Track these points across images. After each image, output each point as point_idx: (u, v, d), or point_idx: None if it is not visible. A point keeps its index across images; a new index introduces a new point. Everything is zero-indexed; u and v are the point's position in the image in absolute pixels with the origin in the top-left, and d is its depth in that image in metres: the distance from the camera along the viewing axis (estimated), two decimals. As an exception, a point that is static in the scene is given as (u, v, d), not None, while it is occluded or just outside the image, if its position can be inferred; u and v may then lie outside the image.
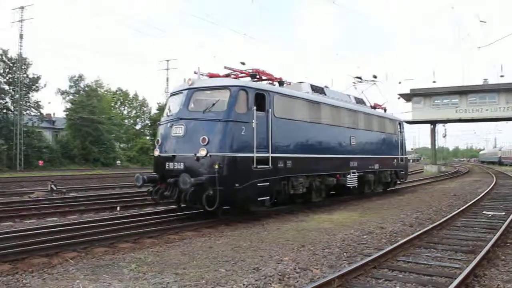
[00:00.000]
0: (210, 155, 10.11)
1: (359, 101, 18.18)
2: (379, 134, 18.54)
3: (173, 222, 10.68)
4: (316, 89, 14.64)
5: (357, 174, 15.66)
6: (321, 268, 6.66)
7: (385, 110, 20.50)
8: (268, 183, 11.14)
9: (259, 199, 10.99)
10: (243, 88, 10.96)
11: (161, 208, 12.99)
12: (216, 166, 9.91)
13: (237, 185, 10.27)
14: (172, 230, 9.67)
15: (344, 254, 7.61)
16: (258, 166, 10.82)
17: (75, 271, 6.50)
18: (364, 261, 6.65)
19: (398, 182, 21.20)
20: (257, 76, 12.87)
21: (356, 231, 9.83)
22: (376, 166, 17.67)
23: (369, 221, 11.31)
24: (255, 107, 10.86)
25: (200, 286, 5.78)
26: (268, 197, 11.22)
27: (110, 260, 7.17)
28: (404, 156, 21.23)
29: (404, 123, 22.40)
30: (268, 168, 11.17)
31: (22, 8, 46.75)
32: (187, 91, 11.08)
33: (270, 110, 11.37)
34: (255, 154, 10.73)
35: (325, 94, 15.06)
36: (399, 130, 20.92)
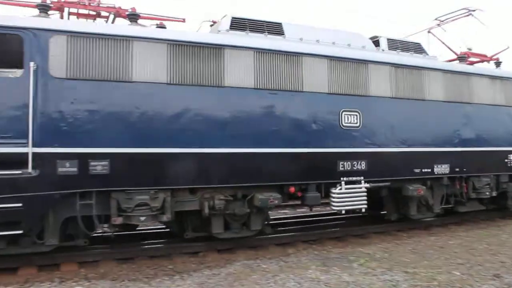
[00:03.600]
0: None
1: (401, 46, 9.64)
2: (454, 106, 9.57)
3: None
4: (244, 25, 8.08)
5: (365, 185, 8.31)
6: None
7: (497, 65, 11.31)
8: (20, 204, 6.13)
9: None
10: None
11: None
12: None
13: None
14: (399, 226, 9.48)
15: None
16: None
17: (307, 261, 6.94)
18: None
19: None
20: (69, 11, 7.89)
21: None
22: (442, 169, 9.23)
23: None
24: None
25: None
26: (21, 231, 6.21)
27: (339, 253, 7.45)
28: None
29: None
30: (24, 175, 6.15)
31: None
32: None
33: (36, 64, 6.27)
34: None
35: (282, 35, 8.29)
36: None
